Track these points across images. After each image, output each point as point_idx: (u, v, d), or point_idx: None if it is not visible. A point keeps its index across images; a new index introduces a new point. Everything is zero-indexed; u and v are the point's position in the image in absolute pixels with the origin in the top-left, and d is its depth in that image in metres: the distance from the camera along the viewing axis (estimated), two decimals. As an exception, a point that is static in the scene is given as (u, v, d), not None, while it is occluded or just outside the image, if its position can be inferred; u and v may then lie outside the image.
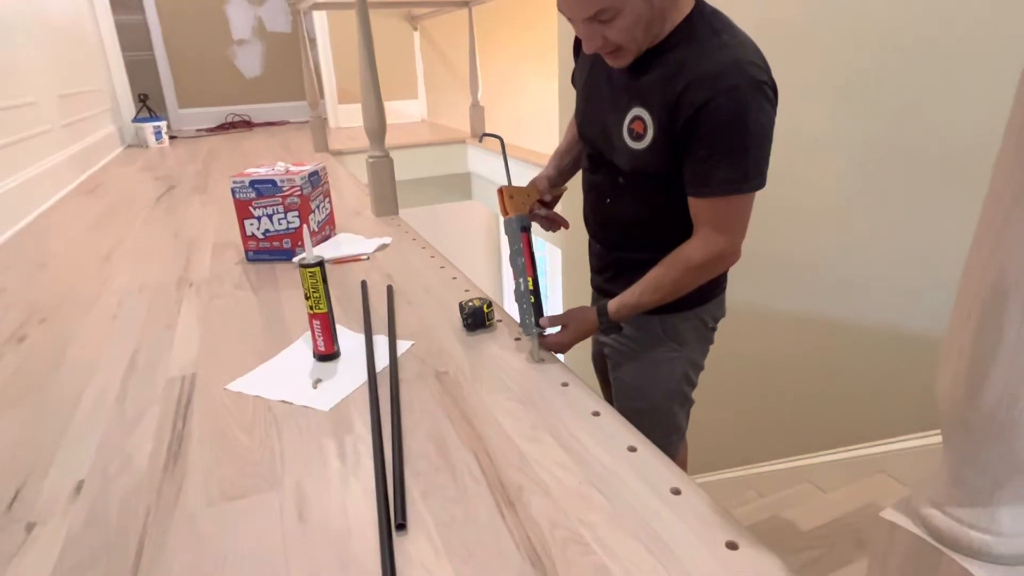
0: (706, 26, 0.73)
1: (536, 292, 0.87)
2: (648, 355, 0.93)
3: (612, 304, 0.84)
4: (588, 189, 0.92)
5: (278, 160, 2.34)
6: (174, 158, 2.75)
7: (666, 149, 0.75)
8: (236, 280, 1.22)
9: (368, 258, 1.34)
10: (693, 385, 0.96)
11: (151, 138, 3.25)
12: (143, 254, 1.37)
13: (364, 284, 1.17)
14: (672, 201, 0.80)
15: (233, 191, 1.28)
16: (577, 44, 0.86)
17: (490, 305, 0.98)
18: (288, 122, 4.04)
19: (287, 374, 0.89)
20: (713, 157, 0.73)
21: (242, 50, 4.02)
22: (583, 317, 0.87)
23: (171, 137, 3.52)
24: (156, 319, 1.06)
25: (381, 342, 0.96)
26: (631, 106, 0.77)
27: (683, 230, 0.86)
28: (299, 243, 1.32)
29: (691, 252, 0.81)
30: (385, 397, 0.82)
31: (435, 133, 3.28)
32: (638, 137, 0.78)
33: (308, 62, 2.72)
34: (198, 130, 3.86)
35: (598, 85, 0.84)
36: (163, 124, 3.35)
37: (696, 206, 0.78)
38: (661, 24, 0.73)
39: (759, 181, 0.74)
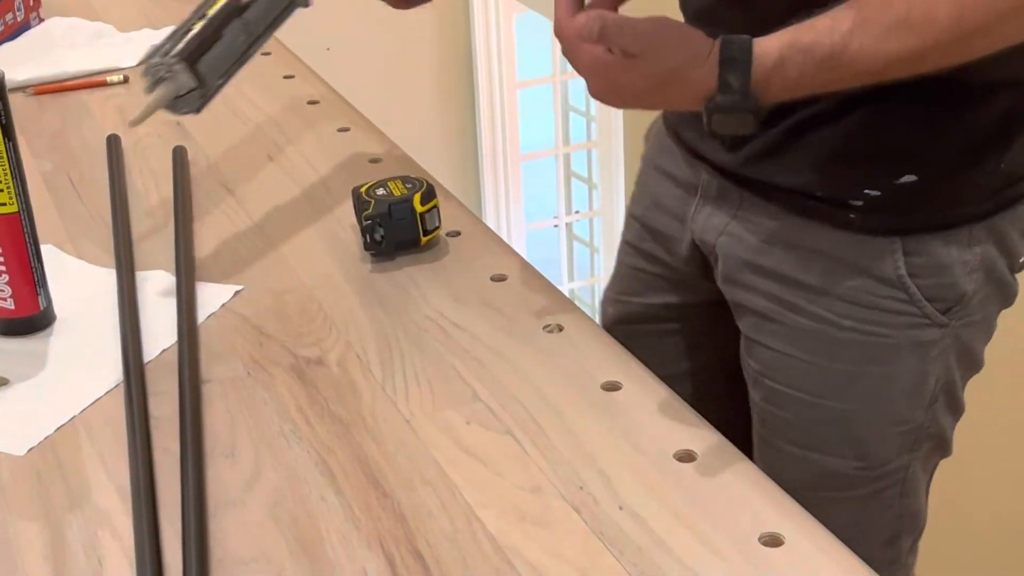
0: None
1: None
2: (854, 335, 0.87)
3: (770, 44, 0.73)
4: None
5: None
6: None
7: None
8: None
9: (125, 80, 1.24)
10: (957, 409, 0.92)
11: None
12: None
13: (114, 143, 1.08)
14: None
15: None
16: None
17: (429, 195, 0.89)
18: None
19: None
20: None
21: None
22: (676, 41, 0.75)
23: None
24: None
25: (158, 287, 0.88)
26: None
27: None
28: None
29: None
30: (169, 420, 0.73)
31: None
32: None
33: None
34: None
35: None
36: None
37: None
38: None
39: None
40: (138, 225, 0.93)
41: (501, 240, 0.91)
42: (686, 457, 0.65)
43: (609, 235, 2.50)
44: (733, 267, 0.89)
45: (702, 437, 0.67)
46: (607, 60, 0.72)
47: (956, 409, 0.90)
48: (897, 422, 0.88)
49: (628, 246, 1.02)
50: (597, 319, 1.05)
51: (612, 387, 0.72)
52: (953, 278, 0.83)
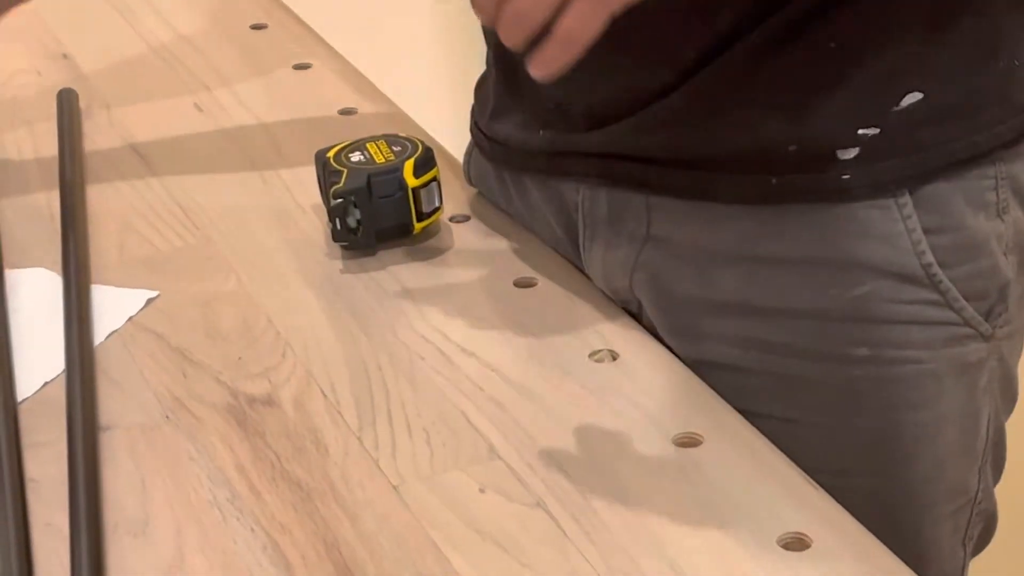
0: None
1: None
2: (876, 370, 0.90)
3: None
4: None
5: None
6: None
7: None
8: None
9: None
10: (1000, 467, 0.98)
11: None
12: None
13: None
14: None
15: None
16: None
17: (426, 162, 0.92)
18: None
19: None
20: None
21: None
22: None
23: None
24: None
25: (37, 292, 0.90)
26: None
27: None
28: None
29: None
30: (53, 483, 0.73)
31: None
32: None
33: None
34: None
35: None
36: None
37: None
38: None
39: None
40: (8, 204, 0.95)
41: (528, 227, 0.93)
42: (796, 543, 0.65)
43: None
44: (670, 313, 0.90)
45: (820, 514, 0.67)
46: None
47: (999, 467, 0.93)
48: (949, 495, 0.90)
49: None
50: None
51: (690, 441, 0.72)
52: (991, 259, 0.86)
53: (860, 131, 0.82)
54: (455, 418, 0.75)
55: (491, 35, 0.97)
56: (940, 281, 0.84)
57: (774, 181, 0.83)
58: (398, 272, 0.87)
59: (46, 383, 0.79)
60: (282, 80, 1.09)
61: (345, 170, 0.88)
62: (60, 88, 1.06)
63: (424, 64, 3.01)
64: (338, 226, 0.87)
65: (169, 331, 0.83)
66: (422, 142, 0.90)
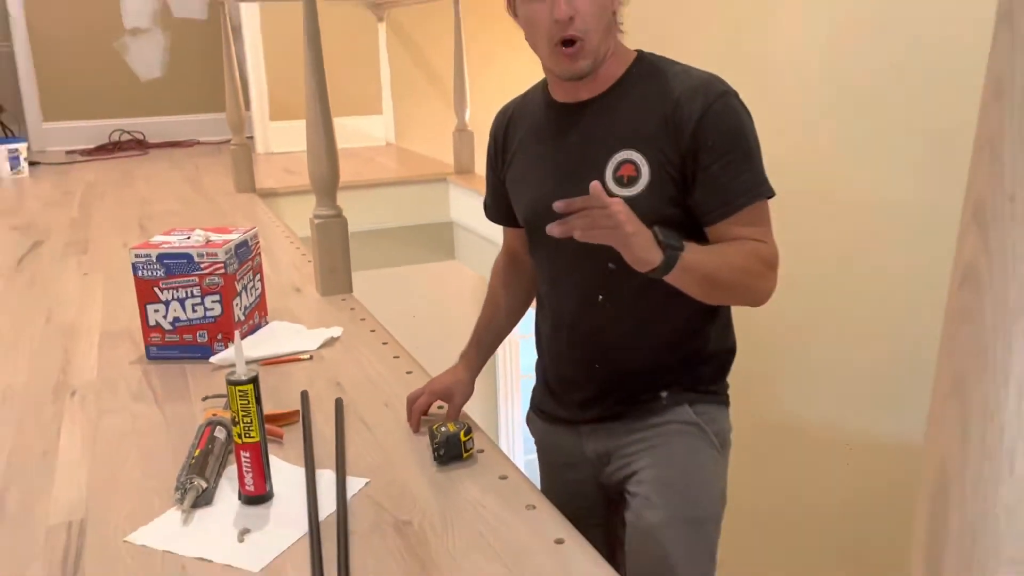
0: (660, 60, 1.02)
1: None
2: (688, 447, 1.12)
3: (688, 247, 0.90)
4: (563, 298, 1.11)
5: (190, 218, 2.44)
6: (38, 196, 2.69)
7: (667, 185, 0.97)
8: (134, 388, 1.29)
9: (311, 357, 1.49)
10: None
11: (4, 166, 3.37)
12: (2, 345, 1.44)
13: (305, 397, 1.29)
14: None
15: (135, 268, 1.45)
16: (496, 131, 1.15)
17: (468, 431, 1.13)
18: (198, 142, 4.11)
19: (206, 521, 0.98)
20: (730, 165, 0.97)
21: (137, 42, 4.18)
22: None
23: (31, 163, 3.58)
24: (28, 442, 1.12)
25: (326, 479, 1.07)
26: (612, 153, 1.00)
27: (704, 311, 1.04)
28: (219, 337, 1.46)
29: (757, 245, 0.95)
30: (331, 556, 0.88)
31: (405, 165, 3.33)
32: (631, 181, 0.99)
33: (230, 62, 2.85)
34: (70, 152, 3.94)
35: (545, 158, 1.05)
36: (22, 146, 3.45)
37: (725, 232, 0.99)
38: (612, 55, 0.99)
39: (770, 187, 0.95)
40: (318, 443, 1.19)
41: (505, 455, 1.13)
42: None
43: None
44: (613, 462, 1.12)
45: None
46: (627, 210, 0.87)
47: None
48: (716, 493, 1.13)
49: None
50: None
51: (559, 541, 0.90)
52: (721, 424, 1.14)
53: (662, 392, 1.12)
54: (477, 539, 0.93)
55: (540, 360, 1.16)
56: (704, 428, 1.12)
57: (642, 401, 1.07)
58: (458, 473, 1.09)
59: (329, 514, 1.01)
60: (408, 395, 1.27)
61: (438, 435, 1.13)
62: (336, 398, 1.28)
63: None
64: (435, 455, 1.12)
65: (376, 495, 1.04)
66: (468, 424, 1.13)
